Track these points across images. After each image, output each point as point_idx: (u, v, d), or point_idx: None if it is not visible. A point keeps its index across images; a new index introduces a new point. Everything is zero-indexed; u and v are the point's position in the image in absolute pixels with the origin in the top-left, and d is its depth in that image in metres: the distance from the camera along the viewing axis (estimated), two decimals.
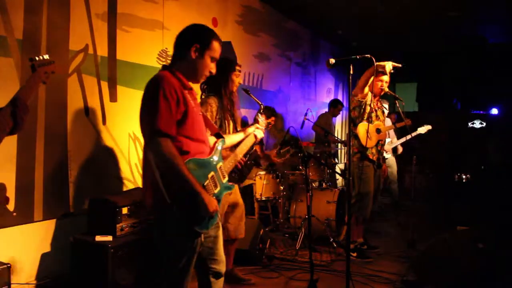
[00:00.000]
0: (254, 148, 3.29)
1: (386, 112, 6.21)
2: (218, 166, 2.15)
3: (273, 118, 5.16)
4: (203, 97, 3.15)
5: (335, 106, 6.82)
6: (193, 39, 2.10)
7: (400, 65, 3.94)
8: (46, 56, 2.31)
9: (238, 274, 3.52)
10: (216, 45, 2.14)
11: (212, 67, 2.17)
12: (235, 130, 3.17)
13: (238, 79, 3.15)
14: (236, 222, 3.29)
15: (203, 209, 1.96)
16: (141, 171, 4.05)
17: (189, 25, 2.18)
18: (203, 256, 2.19)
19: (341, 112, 7.27)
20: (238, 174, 3.09)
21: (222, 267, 2.28)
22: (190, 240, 2.03)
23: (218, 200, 2.11)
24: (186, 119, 2.01)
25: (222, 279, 2.31)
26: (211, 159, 2.12)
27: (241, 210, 3.33)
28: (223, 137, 2.28)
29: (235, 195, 3.26)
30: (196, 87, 2.77)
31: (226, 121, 3.08)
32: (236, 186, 3.18)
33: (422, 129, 5.35)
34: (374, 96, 4.15)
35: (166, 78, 1.99)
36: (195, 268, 2.19)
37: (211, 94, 3.10)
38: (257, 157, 3.32)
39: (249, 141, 2.51)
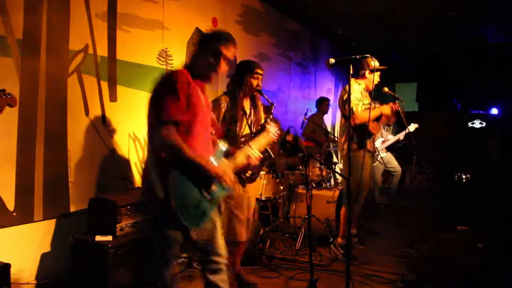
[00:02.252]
0: (266, 148, 3.30)
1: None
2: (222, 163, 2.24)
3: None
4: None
5: (321, 103, 6.82)
6: (218, 48, 2.27)
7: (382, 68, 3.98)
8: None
9: (246, 277, 3.47)
10: (231, 50, 2.33)
11: (226, 69, 2.35)
12: (251, 132, 3.20)
13: (256, 82, 3.15)
14: (243, 223, 3.24)
15: (218, 178, 2.11)
16: (140, 171, 4.05)
17: (212, 30, 2.36)
18: (199, 250, 2.29)
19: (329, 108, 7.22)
20: (249, 173, 3.10)
21: (220, 261, 2.30)
22: (175, 234, 2.15)
23: (215, 200, 2.19)
24: (193, 113, 2.10)
25: (221, 275, 2.32)
26: (211, 160, 2.20)
27: (252, 211, 3.29)
28: (225, 143, 2.36)
29: (248, 193, 3.22)
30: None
31: (239, 122, 3.10)
32: (248, 186, 3.20)
33: (411, 127, 5.45)
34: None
35: (181, 73, 2.13)
36: (199, 264, 2.28)
37: (224, 93, 3.19)
38: (267, 157, 3.32)
39: (243, 157, 2.46)
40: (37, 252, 3.19)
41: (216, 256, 2.29)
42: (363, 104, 4.00)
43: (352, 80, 4.08)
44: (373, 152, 4.29)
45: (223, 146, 2.32)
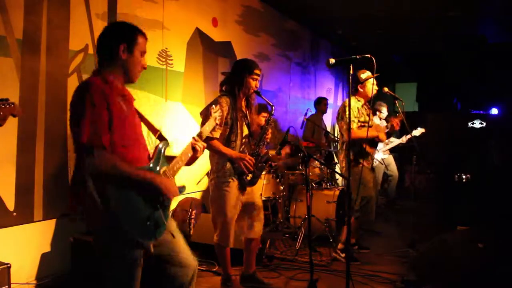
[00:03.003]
0: (266, 151, 3.29)
1: (384, 115, 6.22)
2: (161, 171, 2.01)
3: (264, 114, 5.10)
4: (219, 95, 3.17)
5: (319, 103, 6.82)
6: (119, 39, 1.95)
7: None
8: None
9: (260, 277, 3.45)
10: (141, 39, 2.00)
11: (144, 62, 2.05)
12: (249, 132, 3.19)
13: (254, 83, 3.13)
14: (252, 221, 3.24)
15: (164, 191, 1.90)
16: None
17: (109, 24, 2.06)
18: (163, 263, 2.07)
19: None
20: (250, 176, 3.09)
21: (185, 273, 2.12)
22: (132, 253, 1.87)
23: (167, 207, 2.01)
24: (117, 126, 1.85)
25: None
26: (150, 166, 1.97)
27: (258, 209, 3.27)
28: (166, 139, 2.13)
29: (251, 194, 3.22)
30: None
31: (238, 122, 3.08)
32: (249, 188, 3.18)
33: (416, 132, 5.45)
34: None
35: (95, 85, 1.83)
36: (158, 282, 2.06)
37: (224, 94, 3.12)
38: (269, 159, 3.31)
39: (187, 150, 2.21)
40: (37, 252, 3.19)
41: (184, 268, 2.11)
42: (359, 121, 4.01)
43: (352, 98, 4.09)
44: (372, 169, 4.28)
45: (162, 146, 2.08)
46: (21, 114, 1.78)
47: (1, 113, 1.75)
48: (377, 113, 6.13)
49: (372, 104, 3.99)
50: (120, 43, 1.94)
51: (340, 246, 4.20)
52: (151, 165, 1.98)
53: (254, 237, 3.30)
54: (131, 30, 1.99)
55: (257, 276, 3.41)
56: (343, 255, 4.10)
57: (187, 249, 2.17)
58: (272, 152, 4.87)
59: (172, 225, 2.13)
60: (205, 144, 2.26)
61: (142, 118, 2.17)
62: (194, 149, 2.19)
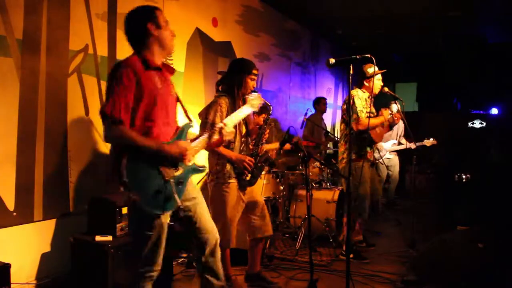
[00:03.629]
0: (266, 150, 3.29)
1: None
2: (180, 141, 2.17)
3: (264, 115, 5.09)
4: (216, 95, 3.16)
5: (318, 103, 6.82)
6: (145, 21, 2.16)
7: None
8: None
9: (267, 276, 3.45)
10: (159, 12, 2.22)
11: (171, 30, 2.26)
12: (246, 131, 3.19)
13: (252, 83, 3.12)
14: (257, 220, 3.24)
15: (173, 156, 2.08)
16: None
17: (128, 15, 2.21)
18: (188, 228, 2.31)
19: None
20: (250, 176, 3.09)
21: (209, 239, 2.34)
22: (148, 223, 2.10)
23: (182, 182, 2.17)
24: (146, 101, 2.07)
25: (213, 255, 2.37)
26: (168, 141, 2.15)
27: (261, 207, 3.26)
28: (190, 120, 2.33)
29: (251, 193, 3.21)
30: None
31: (237, 123, 3.07)
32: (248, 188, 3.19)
33: (427, 142, 5.45)
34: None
35: (128, 63, 2.06)
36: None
37: (222, 94, 3.10)
38: (268, 158, 3.30)
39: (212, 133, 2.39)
40: (37, 252, 3.19)
41: (202, 232, 2.32)
42: (366, 112, 4.02)
43: (358, 89, 4.12)
44: (374, 162, 4.28)
45: (185, 126, 2.26)
46: None
47: None
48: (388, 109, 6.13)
49: (375, 99, 4.00)
50: (147, 23, 2.15)
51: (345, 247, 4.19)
52: (171, 141, 2.16)
53: (263, 236, 3.28)
54: (149, 10, 2.21)
55: (263, 275, 3.42)
56: (351, 255, 4.10)
57: (207, 216, 2.38)
58: (271, 146, 4.85)
59: (194, 195, 2.32)
60: (233, 131, 2.44)
61: (175, 96, 2.32)
62: (220, 132, 2.37)
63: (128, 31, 2.20)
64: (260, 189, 4.88)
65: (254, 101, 2.75)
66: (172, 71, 2.32)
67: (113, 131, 1.99)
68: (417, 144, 5.57)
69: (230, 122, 2.49)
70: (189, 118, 2.36)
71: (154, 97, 2.09)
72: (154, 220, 2.10)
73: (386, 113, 4.15)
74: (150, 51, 2.17)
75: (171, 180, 2.10)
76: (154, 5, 4.18)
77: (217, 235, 2.42)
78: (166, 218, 2.16)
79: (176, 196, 2.10)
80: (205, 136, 2.35)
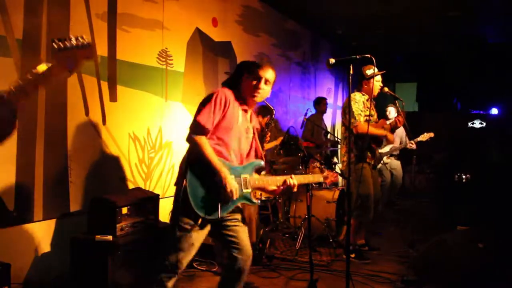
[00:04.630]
0: (265, 151, 3.31)
1: (393, 116, 6.22)
2: (241, 175, 2.40)
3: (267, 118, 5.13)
4: None
5: (319, 103, 6.82)
6: (243, 71, 2.57)
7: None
8: (74, 40, 1.71)
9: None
10: (261, 72, 2.51)
11: (260, 87, 2.50)
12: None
13: None
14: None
15: (222, 184, 2.26)
16: (140, 171, 4.06)
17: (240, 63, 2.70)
18: (223, 244, 2.49)
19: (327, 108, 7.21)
20: None
21: (244, 260, 2.42)
22: (188, 220, 2.30)
23: (232, 203, 2.35)
24: (222, 124, 2.37)
25: (240, 272, 2.43)
26: (235, 167, 2.40)
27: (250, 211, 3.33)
28: (262, 160, 2.59)
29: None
30: None
31: None
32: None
33: (422, 137, 5.42)
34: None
35: (223, 91, 2.42)
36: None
37: None
38: (267, 161, 3.33)
39: (276, 181, 2.57)
40: (37, 252, 3.19)
41: (244, 255, 2.43)
42: (365, 115, 4.02)
43: (357, 93, 4.11)
44: (375, 164, 4.28)
45: (255, 162, 2.51)
46: (92, 58, 1.67)
47: (71, 57, 1.57)
48: (386, 113, 6.14)
49: (375, 100, 4.00)
50: (243, 73, 2.55)
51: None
52: (237, 167, 2.42)
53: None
54: (252, 65, 2.55)
55: None
56: (352, 255, 4.11)
57: (248, 241, 2.49)
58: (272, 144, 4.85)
59: (238, 217, 2.48)
60: (296, 183, 2.58)
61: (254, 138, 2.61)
62: (284, 182, 2.53)
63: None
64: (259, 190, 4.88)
65: (328, 177, 2.88)
66: (251, 115, 2.61)
67: (198, 138, 2.31)
68: (414, 141, 5.56)
69: (297, 179, 2.59)
70: (261, 157, 2.60)
71: (229, 122, 2.40)
72: (196, 218, 2.28)
73: (390, 134, 4.16)
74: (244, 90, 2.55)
75: (218, 197, 2.30)
76: (154, 5, 4.22)
77: (250, 259, 2.48)
78: (203, 225, 2.34)
79: (220, 208, 2.28)
80: (269, 179, 2.54)
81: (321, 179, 2.84)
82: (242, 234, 2.46)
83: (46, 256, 3.23)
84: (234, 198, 2.30)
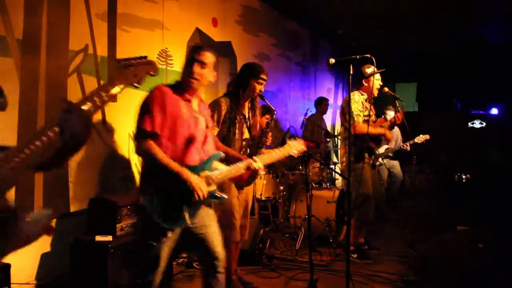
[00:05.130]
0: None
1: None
2: (202, 174, 2.27)
3: (267, 116, 5.10)
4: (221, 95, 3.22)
5: (320, 103, 6.82)
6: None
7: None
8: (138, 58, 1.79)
9: (242, 277, 3.47)
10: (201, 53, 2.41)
11: (197, 71, 2.37)
12: (250, 136, 3.21)
13: (260, 87, 3.15)
14: (243, 222, 3.26)
15: (187, 185, 2.16)
16: (141, 171, 4.06)
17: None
18: (199, 250, 2.41)
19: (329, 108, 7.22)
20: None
21: (215, 264, 2.37)
22: (155, 234, 2.20)
23: (196, 204, 2.23)
24: (169, 123, 2.23)
25: (217, 278, 2.38)
26: (194, 166, 2.26)
27: (247, 210, 3.30)
28: (221, 152, 2.43)
29: (245, 195, 3.25)
30: None
31: (237, 124, 3.10)
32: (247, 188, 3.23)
33: (418, 139, 5.42)
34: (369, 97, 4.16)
35: (157, 91, 2.29)
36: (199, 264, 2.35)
37: (226, 94, 3.18)
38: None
39: (239, 169, 2.48)
40: (37, 252, 3.19)
41: (212, 258, 2.37)
42: (364, 115, 4.01)
43: (356, 92, 4.10)
44: (374, 164, 4.28)
45: (213, 155, 2.37)
46: (157, 74, 1.77)
47: (136, 73, 1.67)
48: (383, 116, 6.14)
49: (375, 100, 3.99)
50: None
51: (351, 248, 4.18)
52: (197, 165, 2.27)
53: (239, 239, 3.27)
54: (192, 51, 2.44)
55: (239, 276, 3.43)
56: (355, 255, 4.11)
57: (220, 244, 2.42)
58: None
59: (206, 220, 2.37)
60: (261, 166, 2.51)
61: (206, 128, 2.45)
62: (248, 168, 2.45)
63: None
64: (259, 190, 4.89)
65: (294, 147, 2.75)
66: (199, 105, 2.45)
67: (143, 144, 2.21)
68: (409, 143, 5.56)
69: (261, 160, 2.53)
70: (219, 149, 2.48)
71: (175, 119, 2.25)
72: (163, 232, 2.19)
73: (388, 133, 4.15)
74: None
75: (186, 202, 2.20)
76: (154, 5, 4.22)
77: (224, 262, 2.44)
78: (173, 234, 2.24)
79: (187, 216, 2.19)
80: (232, 169, 2.42)
81: (289, 153, 2.73)
82: (213, 237, 2.37)
83: (46, 256, 3.23)
84: (202, 197, 2.20)
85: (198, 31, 4.90)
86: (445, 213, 6.23)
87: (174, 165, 2.17)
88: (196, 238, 2.33)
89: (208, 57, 2.38)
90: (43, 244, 3.23)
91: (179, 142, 2.25)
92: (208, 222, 2.37)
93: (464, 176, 6.96)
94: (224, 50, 5.38)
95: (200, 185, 2.19)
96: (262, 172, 2.52)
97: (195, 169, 2.25)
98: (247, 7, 5.89)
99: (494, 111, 9.68)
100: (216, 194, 2.32)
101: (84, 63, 3.51)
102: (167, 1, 4.38)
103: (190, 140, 2.29)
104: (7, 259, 2.67)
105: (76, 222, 3.36)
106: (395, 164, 6.72)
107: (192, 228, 2.29)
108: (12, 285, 2.66)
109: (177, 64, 4.58)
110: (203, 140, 2.39)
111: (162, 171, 2.16)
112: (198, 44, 2.40)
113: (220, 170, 2.37)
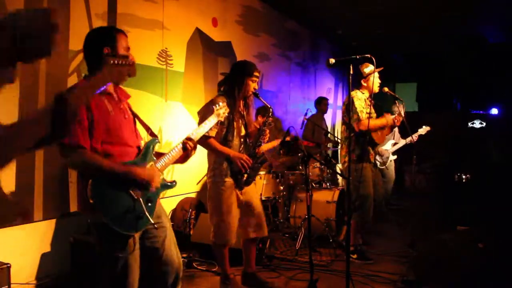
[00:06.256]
0: (262, 152, 3.29)
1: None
2: (147, 166, 2.10)
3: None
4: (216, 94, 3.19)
5: (320, 103, 6.82)
6: (101, 44, 2.09)
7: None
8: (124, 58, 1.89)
9: (261, 277, 3.45)
10: (120, 36, 2.11)
11: (131, 56, 2.08)
12: (246, 133, 3.20)
13: (253, 85, 3.14)
14: (253, 221, 3.25)
15: (142, 180, 1.99)
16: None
17: (90, 31, 2.19)
18: (152, 257, 2.17)
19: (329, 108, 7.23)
20: (245, 176, 3.10)
21: (169, 271, 2.23)
22: (120, 244, 1.98)
23: (152, 200, 2.07)
24: (100, 125, 1.98)
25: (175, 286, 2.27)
26: (135, 161, 2.07)
27: (257, 208, 3.27)
28: (156, 136, 2.23)
29: (248, 194, 3.23)
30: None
31: (235, 123, 3.10)
32: (250, 186, 3.21)
33: (422, 130, 5.41)
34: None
35: (71, 90, 1.99)
36: (149, 273, 2.16)
37: (221, 94, 3.13)
38: (265, 160, 3.31)
39: (178, 151, 2.29)
40: (37, 252, 3.19)
41: (165, 264, 2.21)
42: (366, 112, 4.02)
43: (357, 90, 4.11)
44: (375, 164, 4.28)
45: (150, 143, 2.17)
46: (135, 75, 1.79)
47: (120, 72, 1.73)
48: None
49: (373, 98, 3.99)
50: (103, 47, 2.07)
51: (351, 248, 4.18)
52: (137, 159, 2.09)
53: (256, 236, 3.30)
54: (110, 31, 2.13)
55: (258, 276, 3.41)
56: (354, 256, 4.10)
57: (173, 246, 2.24)
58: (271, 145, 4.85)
59: (160, 217, 2.19)
60: (195, 143, 2.32)
61: (136, 116, 2.26)
62: (184, 147, 2.26)
63: (85, 49, 2.15)
64: (259, 190, 4.89)
65: (220, 111, 2.61)
66: (123, 97, 2.22)
67: (76, 157, 1.93)
68: (414, 136, 5.56)
69: (197, 135, 2.40)
70: (154, 134, 2.26)
71: (106, 119, 2.01)
72: (127, 240, 2.00)
73: (389, 119, 4.15)
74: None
75: (140, 199, 2.02)
76: (154, 5, 4.22)
77: (181, 267, 2.30)
78: (138, 238, 2.07)
79: (148, 214, 2.02)
80: (172, 153, 2.24)
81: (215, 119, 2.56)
82: (167, 240, 2.20)
83: (46, 256, 3.23)
84: (155, 187, 2.06)
85: (198, 31, 4.90)
86: (445, 213, 6.23)
87: (117, 165, 1.97)
88: (147, 243, 2.15)
89: (127, 40, 2.15)
90: (43, 244, 3.23)
91: (120, 142, 2.08)
92: (160, 214, 2.21)
93: (464, 176, 6.97)
94: (224, 50, 5.38)
95: (150, 175, 2.04)
96: (193, 153, 2.30)
97: (139, 164, 2.08)
98: (247, 7, 5.90)
99: (494, 111, 9.68)
100: (167, 183, 2.20)
101: (84, 63, 3.50)
102: (167, 1, 4.38)
103: (129, 135, 2.14)
104: (7, 259, 2.67)
105: (76, 222, 3.36)
106: (390, 163, 6.71)
107: (155, 224, 2.09)
108: (12, 285, 2.67)
109: (177, 64, 4.58)
110: (136, 133, 2.24)
111: (106, 175, 1.94)
112: (114, 28, 2.17)
113: (162, 159, 2.20)
